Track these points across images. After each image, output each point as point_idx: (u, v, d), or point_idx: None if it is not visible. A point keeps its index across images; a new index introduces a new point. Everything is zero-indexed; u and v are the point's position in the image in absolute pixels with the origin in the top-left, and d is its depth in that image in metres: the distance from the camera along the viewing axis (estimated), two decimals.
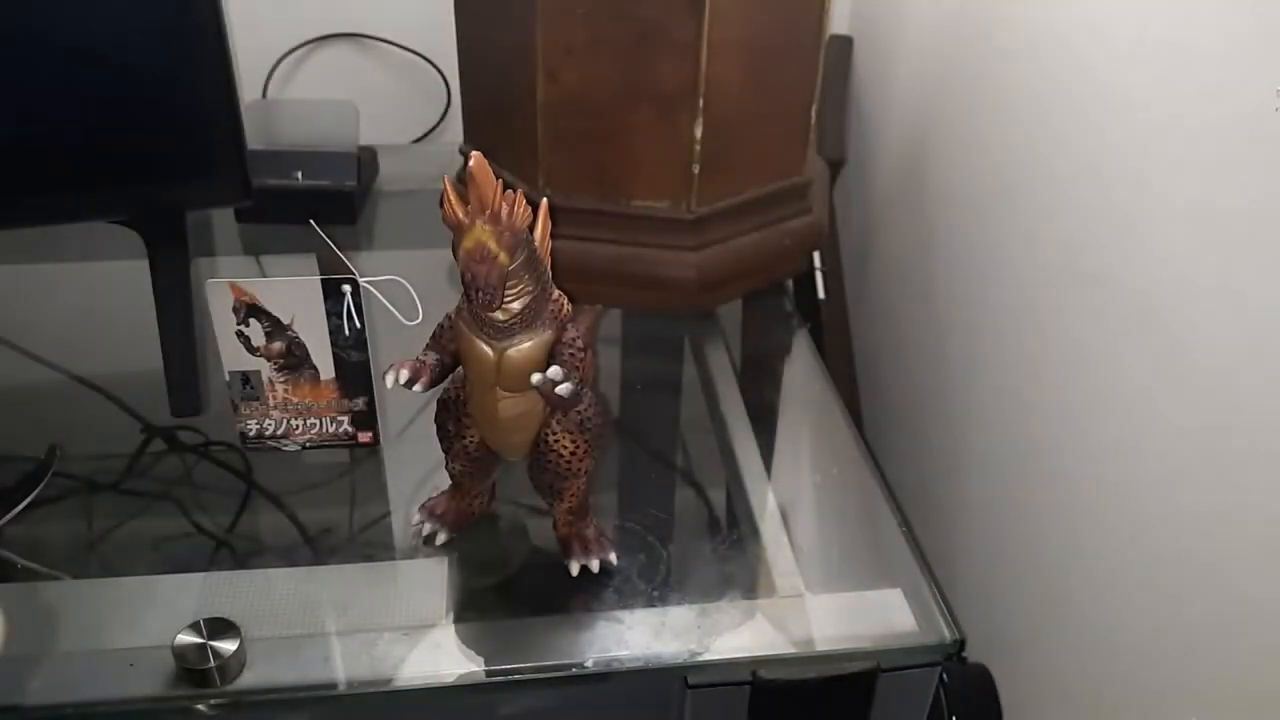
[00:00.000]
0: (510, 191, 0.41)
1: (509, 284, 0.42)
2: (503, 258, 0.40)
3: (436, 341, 0.47)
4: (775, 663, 0.49)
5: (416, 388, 0.45)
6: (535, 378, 0.43)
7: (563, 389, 0.43)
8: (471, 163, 0.40)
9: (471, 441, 0.49)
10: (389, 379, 0.45)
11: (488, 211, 0.40)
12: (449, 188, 0.40)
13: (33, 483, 0.59)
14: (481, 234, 0.40)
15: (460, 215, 0.40)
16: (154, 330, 0.62)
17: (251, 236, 0.87)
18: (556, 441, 0.47)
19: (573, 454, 0.47)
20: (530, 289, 0.43)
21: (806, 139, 0.78)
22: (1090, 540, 0.61)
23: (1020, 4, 0.68)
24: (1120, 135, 0.56)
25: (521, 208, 0.41)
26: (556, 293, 0.45)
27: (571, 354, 0.44)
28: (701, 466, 0.65)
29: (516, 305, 0.42)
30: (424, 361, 0.46)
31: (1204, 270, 0.50)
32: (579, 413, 0.47)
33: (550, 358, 0.44)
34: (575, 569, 0.52)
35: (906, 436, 0.93)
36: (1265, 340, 0.46)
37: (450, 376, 0.48)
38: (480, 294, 0.40)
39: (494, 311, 0.42)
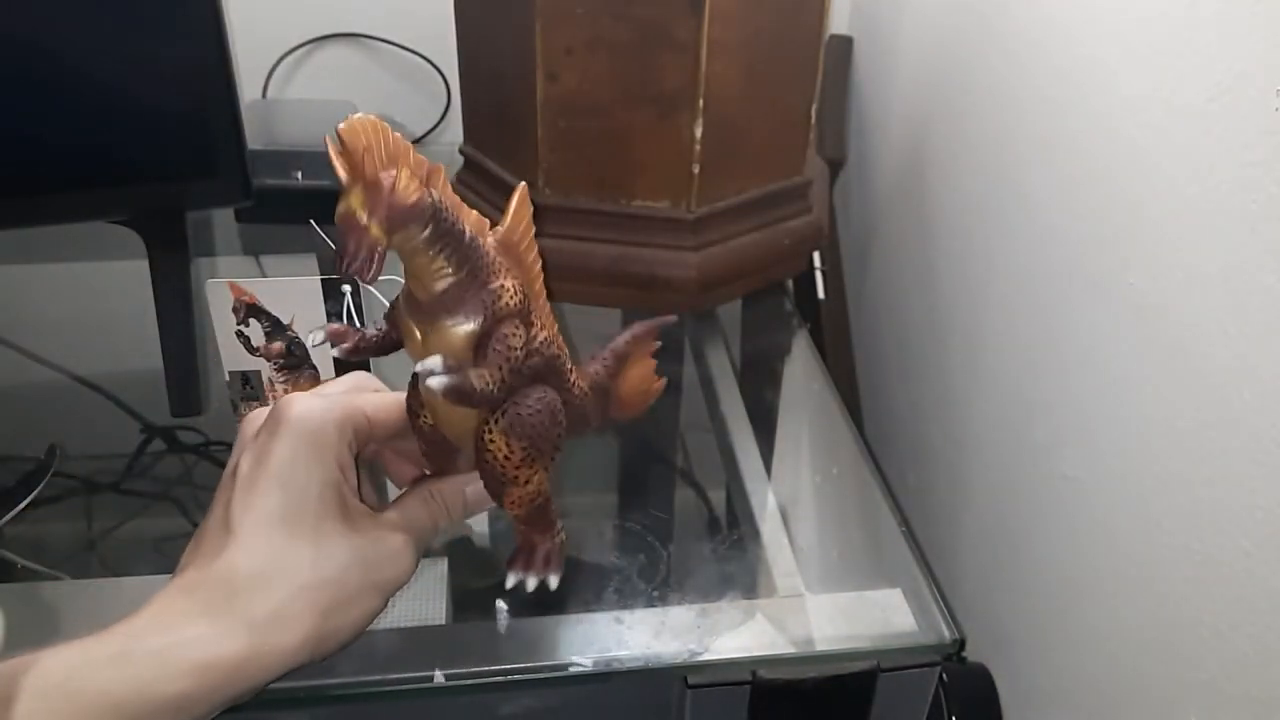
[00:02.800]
0: (427, 166, 0.38)
1: (430, 263, 0.39)
2: (375, 230, 0.36)
3: (388, 314, 0.44)
4: (775, 663, 0.49)
5: (334, 351, 0.42)
6: (417, 365, 0.40)
7: (434, 382, 0.39)
8: (342, 125, 0.36)
9: (426, 421, 0.46)
10: (309, 338, 0.44)
11: (364, 178, 0.36)
12: (329, 145, 0.36)
13: (33, 483, 0.59)
14: (354, 200, 0.36)
15: (343, 174, 0.36)
16: (154, 330, 0.62)
17: (251, 236, 0.87)
18: (491, 442, 0.43)
19: (507, 458, 0.43)
20: (448, 271, 0.39)
21: (806, 139, 0.78)
22: (1091, 540, 0.61)
23: (1021, 4, 0.68)
24: (1121, 135, 0.56)
25: (416, 184, 0.37)
26: (500, 284, 0.41)
27: (499, 351, 0.40)
28: (701, 466, 0.65)
29: (438, 286, 0.40)
30: (360, 330, 0.43)
31: (1206, 270, 0.50)
32: (509, 416, 0.43)
33: (476, 350, 0.41)
34: (510, 581, 0.49)
35: (906, 436, 0.93)
36: (1267, 340, 0.46)
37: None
38: (346, 262, 0.37)
39: (367, 282, 0.38)
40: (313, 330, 0.43)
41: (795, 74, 0.74)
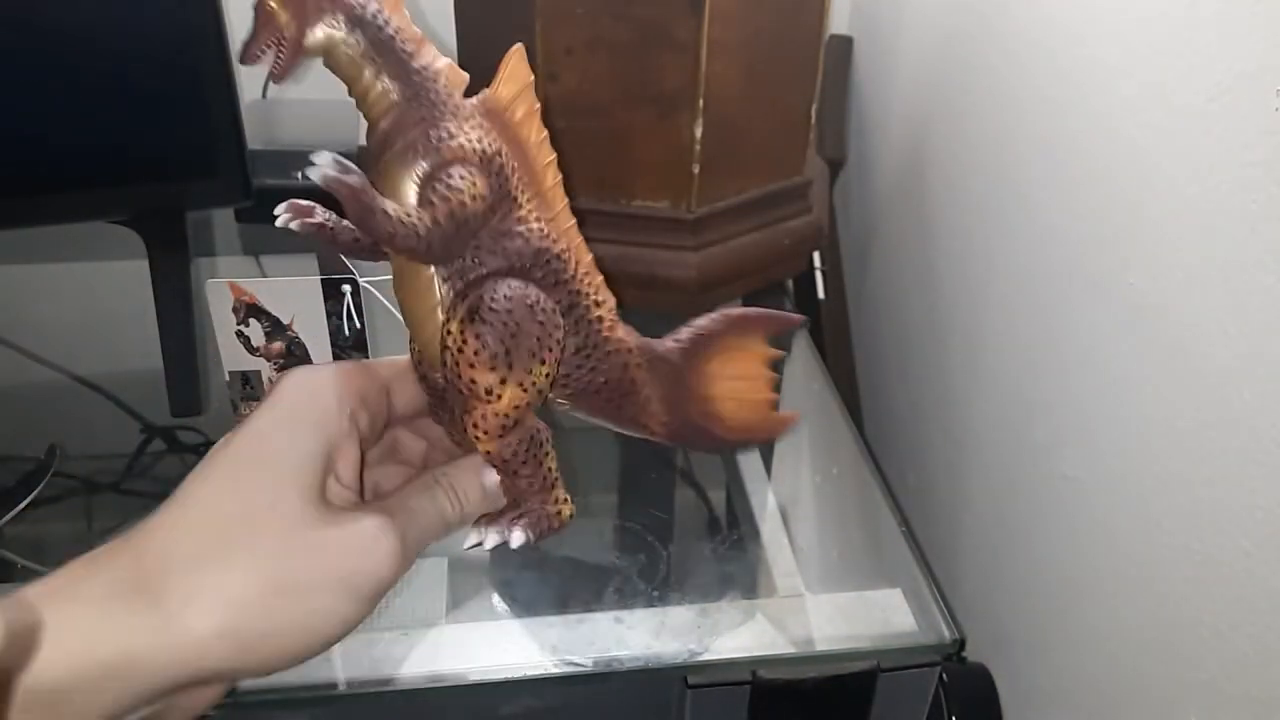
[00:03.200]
0: None
1: (370, 87, 0.34)
2: (281, 17, 0.32)
3: None
4: (775, 663, 0.49)
5: (295, 225, 0.34)
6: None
7: (314, 172, 0.31)
8: None
9: (414, 348, 0.38)
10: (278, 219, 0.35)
11: None
12: None
13: (33, 483, 0.59)
14: None
15: None
16: (154, 330, 0.62)
17: (251, 236, 0.87)
18: (449, 334, 0.34)
19: (461, 351, 0.33)
20: (393, 99, 0.34)
21: (806, 139, 0.78)
22: (1091, 540, 0.61)
23: (1021, 4, 0.68)
24: (1121, 135, 0.56)
25: None
26: (456, 126, 0.34)
27: (437, 190, 0.33)
28: (701, 466, 0.65)
29: (383, 121, 0.34)
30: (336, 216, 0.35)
31: (1205, 270, 0.50)
32: (470, 302, 0.33)
33: (421, 192, 0.34)
34: (468, 540, 0.38)
35: (906, 436, 0.93)
36: (1267, 340, 0.46)
37: None
38: (242, 47, 0.32)
39: (275, 80, 0.33)
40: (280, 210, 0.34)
41: (795, 74, 0.74)
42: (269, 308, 0.57)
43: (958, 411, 0.80)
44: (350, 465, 0.35)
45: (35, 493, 0.58)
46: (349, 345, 0.58)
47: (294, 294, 0.57)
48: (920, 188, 0.87)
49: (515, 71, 0.36)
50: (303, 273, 0.57)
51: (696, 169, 0.70)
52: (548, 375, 0.34)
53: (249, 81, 0.99)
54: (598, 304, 0.37)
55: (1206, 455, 0.50)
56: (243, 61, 0.33)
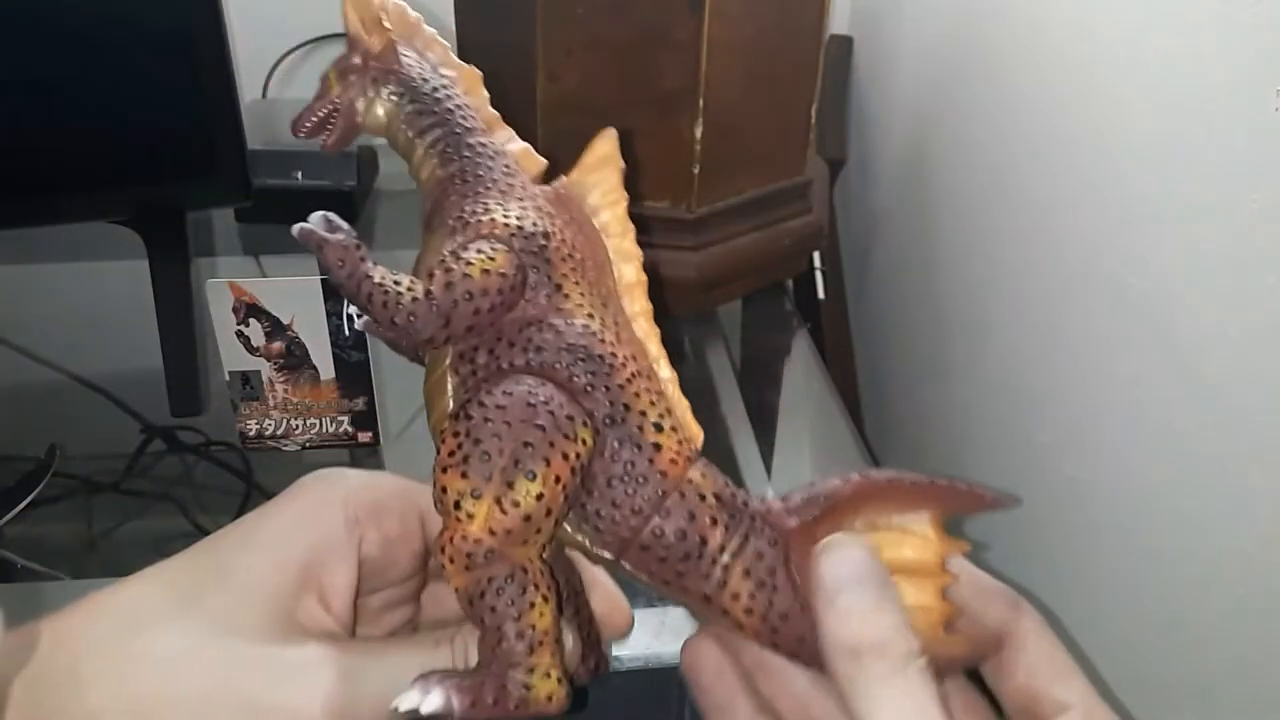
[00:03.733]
0: (434, 39, 0.32)
1: (423, 161, 0.31)
2: (334, 85, 0.31)
3: None
4: None
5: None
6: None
7: (297, 228, 0.28)
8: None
9: None
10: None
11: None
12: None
13: (33, 483, 0.59)
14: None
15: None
16: (154, 330, 0.62)
17: (251, 236, 0.87)
18: (438, 434, 0.28)
19: (437, 454, 0.27)
20: (434, 169, 0.31)
21: (806, 139, 0.78)
22: (1091, 540, 0.61)
23: (1021, 4, 0.68)
24: (1121, 135, 0.56)
25: (381, 32, 0.30)
26: (497, 204, 0.29)
27: (442, 261, 0.28)
28: None
29: (428, 201, 0.31)
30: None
31: (1205, 270, 0.50)
32: (467, 393, 0.27)
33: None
34: (400, 701, 0.26)
35: (906, 436, 0.93)
36: (1266, 340, 0.46)
37: None
38: (298, 116, 0.31)
39: (328, 148, 0.32)
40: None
41: (795, 74, 0.74)
42: (269, 308, 0.57)
43: (958, 412, 0.80)
44: (342, 590, 0.29)
45: (35, 493, 0.58)
46: (349, 345, 0.58)
47: (294, 294, 0.57)
48: (920, 188, 0.87)
49: (600, 158, 0.31)
50: (303, 273, 0.57)
51: (696, 169, 0.70)
52: (540, 498, 0.26)
53: (249, 81, 0.99)
54: (658, 429, 0.28)
55: (1206, 455, 0.50)
56: (293, 132, 0.31)
